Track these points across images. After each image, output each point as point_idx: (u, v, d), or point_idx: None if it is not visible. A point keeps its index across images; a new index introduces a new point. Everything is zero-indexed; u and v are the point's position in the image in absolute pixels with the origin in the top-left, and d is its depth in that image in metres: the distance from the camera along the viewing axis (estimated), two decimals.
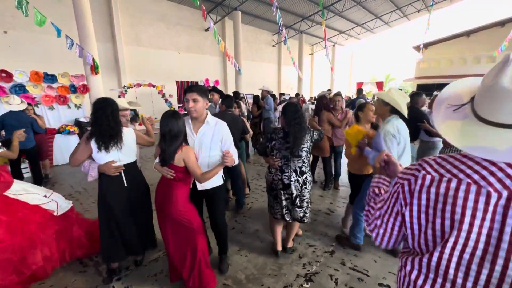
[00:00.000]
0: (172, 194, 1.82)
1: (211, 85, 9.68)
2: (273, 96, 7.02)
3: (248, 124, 3.72)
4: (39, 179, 4.40)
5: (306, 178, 2.20)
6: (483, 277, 0.61)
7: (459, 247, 0.63)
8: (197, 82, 9.73)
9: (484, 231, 0.60)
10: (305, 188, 2.19)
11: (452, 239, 0.64)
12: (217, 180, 2.08)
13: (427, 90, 18.14)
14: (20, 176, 4.21)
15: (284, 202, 2.20)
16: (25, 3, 4.52)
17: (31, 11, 4.67)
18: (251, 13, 13.79)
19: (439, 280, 0.69)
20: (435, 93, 15.14)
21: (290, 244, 2.55)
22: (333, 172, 4.16)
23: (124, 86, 7.11)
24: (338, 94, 4.31)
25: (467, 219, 0.61)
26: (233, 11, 12.21)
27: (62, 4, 7.90)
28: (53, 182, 4.67)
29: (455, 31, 19.47)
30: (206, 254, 1.98)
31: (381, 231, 0.83)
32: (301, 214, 2.21)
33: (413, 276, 0.75)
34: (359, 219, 2.42)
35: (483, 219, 0.59)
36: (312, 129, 2.23)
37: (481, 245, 0.61)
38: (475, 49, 17.75)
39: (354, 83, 20.83)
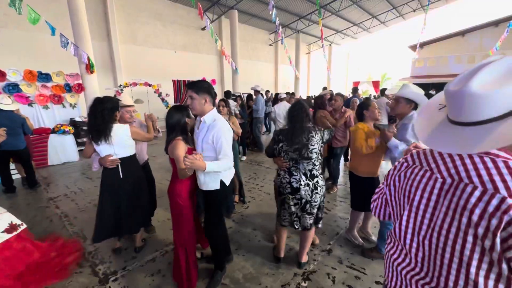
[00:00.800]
0: (170, 186, 1.98)
1: None
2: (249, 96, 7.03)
3: (234, 124, 3.45)
4: (33, 181, 4.34)
5: (317, 182, 2.02)
6: (426, 242, 0.76)
7: (411, 219, 0.79)
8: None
9: (429, 208, 0.74)
10: (316, 193, 2.01)
11: (406, 212, 0.81)
12: (213, 183, 1.88)
13: (423, 89, 18.25)
14: (9, 179, 4.15)
15: (292, 208, 2.04)
16: (18, 1, 4.45)
17: (24, 9, 4.60)
18: (248, 12, 13.75)
19: (400, 247, 0.86)
20: (430, 92, 15.32)
21: (304, 259, 2.27)
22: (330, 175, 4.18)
23: (120, 85, 7.04)
24: (338, 94, 4.34)
25: (417, 197, 0.77)
26: (230, 10, 12.16)
27: (56, 1, 7.80)
28: (48, 182, 4.61)
29: (450, 30, 19.63)
30: (190, 253, 2.00)
31: (375, 204, 1.04)
32: (311, 221, 2.06)
33: (388, 247, 0.92)
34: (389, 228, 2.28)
35: (428, 198, 0.74)
36: (323, 129, 2.09)
37: (426, 220, 0.75)
38: (470, 48, 17.94)
39: (351, 82, 20.89)
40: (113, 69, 9.66)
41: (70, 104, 6.74)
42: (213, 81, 9.80)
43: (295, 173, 2.01)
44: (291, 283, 2.11)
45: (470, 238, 0.63)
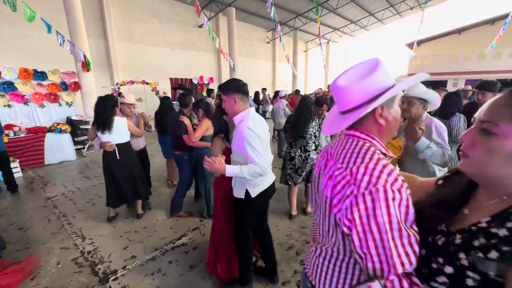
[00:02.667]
0: (217, 178, 2.06)
1: (205, 82, 9.60)
2: (257, 93, 7.02)
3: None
4: (14, 185, 4.11)
5: (308, 155, 2.88)
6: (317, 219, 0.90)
7: (313, 195, 0.93)
8: (191, 80, 9.63)
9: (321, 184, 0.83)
10: (306, 162, 2.89)
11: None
12: (238, 191, 1.76)
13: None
14: None
15: (288, 170, 2.98)
16: None
17: (19, 6, 4.53)
18: (245, 10, 13.67)
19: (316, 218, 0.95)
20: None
21: (309, 208, 3.18)
22: None
23: (117, 83, 6.98)
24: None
25: (315, 173, 0.90)
26: (227, 7, 12.08)
27: None
28: (45, 182, 4.57)
29: (447, 28, 19.71)
30: (219, 248, 2.09)
31: None
32: (300, 180, 2.95)
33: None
34: None
35: (318, 173, 0.87)
36: (321, 118, 2.94)
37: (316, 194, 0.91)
38: (466, 46, 18.04)
39: None
40: (109, 67, 9.58)
41: (67, 103, 6.66)
42: (211, 79, 9.74)
43: (294, 147, 2.95)
44: (291, 281, 2.12)
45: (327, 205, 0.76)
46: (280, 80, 18.93)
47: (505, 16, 10.39)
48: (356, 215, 0.63)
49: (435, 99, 1.80)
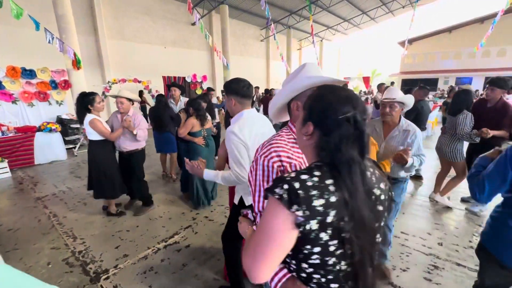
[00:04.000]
0: None
1: (199, 80, 9.54)
2: None
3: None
4: None
5: None
6: None
7: None
8: (184, 78, 9.56)
9: None
10: None
11: None
12: (236, 196, 1.73)
13: (412, 84, 18.60)
14: None
15: None
16: None
17: (6, 3, 4.42)
18: (239, 7, 13.60)
19: None
20: (415, 89, 15.64)
21: None
22: None
23: (109, 81, 6.87)
24: None
25: None
26: (220, 5, 12.00)
27: None
28: (35, 182, 4.50)
29: (438, 27, 20.00)
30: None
31: None
32: None
33: None
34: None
35: None
36: None
37: None
38: (456, 44, 18.36)
39: (342, 78, 21.08)
40: (100, 65, 9.42)
41: (57, 102, 6.55)
42: (204, 77, 9.67)
43: None
44: None
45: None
46: (274, 78, 18.93)
47: (494, 15, 10.58)
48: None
49: (410, 102, 1.98)
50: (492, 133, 2.71)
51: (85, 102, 2.78)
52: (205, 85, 9.64)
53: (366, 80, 19.23)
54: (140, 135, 2.97)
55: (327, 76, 0.92)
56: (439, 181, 3.45)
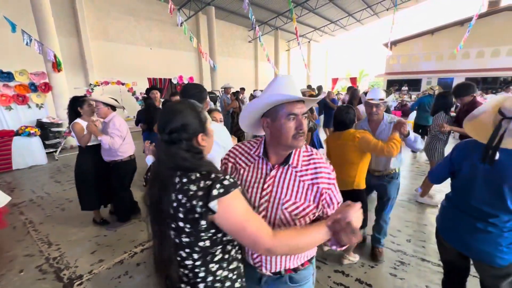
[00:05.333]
0: None
1: (186, 82, 9.50)
2: (236, 93, 7.04)
3: None
4: None
5: None
6: None
7: None
8: (170, 79, 9.50)
9: None
10: None
11: None
12: None
13: (395, 85, 19.12)
14: None
15: None
16: None
17: None
18: (226, 9, 13.62)
19: None
20: (403, 88, 16.06)
21: None
22: None
23: (91, 84, 6.77)
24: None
25: None
26: (207, 6, 11.99)
27: None
28: (12, 188, 4.40)
29: (421, 29, 20.59)
30: None
31: None
32: None
33: None
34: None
35: None
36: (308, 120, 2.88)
37: None
38: (438, 46, 18.94)
39: (330, 79, 21.38)
40: (84, 67, 9.25)
41: (37, 105, 6.40)
42: (191, 78, 9.64)
43: None
44: None
45: None
46: (263, 79, 19.02)
47: (470, 18, 11.01)
48: None
49: (391, 101, 2.25)
50: (448, 128, 2.97)
51: (74, 106, 2.75)
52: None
53: (353, 80, 19.61)
54: (106, 141, 2.62)
55: (287, 94, 0.86)
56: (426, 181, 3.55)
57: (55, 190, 4.26)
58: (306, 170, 0.94)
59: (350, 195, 2.08)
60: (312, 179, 0.92)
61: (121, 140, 2.77)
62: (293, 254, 0.95)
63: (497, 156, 1.17)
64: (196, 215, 0.77)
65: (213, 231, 0.80)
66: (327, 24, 18.80)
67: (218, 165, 1.76)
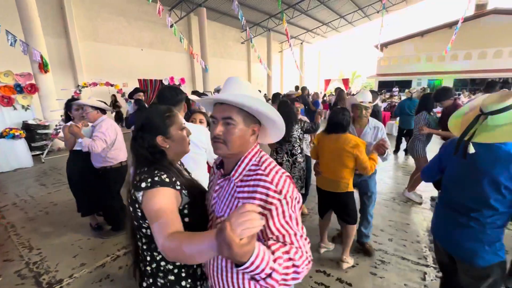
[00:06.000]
0: None
1: (176, 83, 9.46)
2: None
3: None
4: None
5: (295, 159, 2.79)
6: None
7: None
8: (161, 80, 9.44)
9: None
10: (295, 167, 2.81)
11: None
12: None
13: (387, 86, 19.38)
14: None
15: None
16: None
17: None
18: (218, 10, 13.63)
19: None
20: (394, 89, 16.30)
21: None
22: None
23: (78, 85, 6.66)
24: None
25: None
26: (198, 7, 11.97)
27: None
28: None
29: (412, 31, 20.98)
30: None
31: None
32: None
33: None
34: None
35: None
36: (304, 121, 2.91)
37: None
38: (428, 48, 19.31)
39: (323, 80, 21.57)
40: (72, 67, 9.13)
41: (23, 106, 6.29)
42: (182, 79, 9.60)
43: (279, 152, 2.82)
44: None
45: None
46: (255, 80, 19.07)
47: (456, 22, 11.27)
48: None
49: (376, 101, 2.48)
50: (427, 130, 3.11)
51: (66, 109, 2.77)
52: (183, 88, 9.59)
53: (345, 82, 19.82)
54: (85, 143, 2.40)
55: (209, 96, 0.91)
56: (411, 179, 3.67)
57: (40, 193, 4.19)
58: (246, 186, 0.79)
59: (345, 197, 2.17)
60: (248, 197, 0.77)
61: (104, 144, 2.53)
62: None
63: (472, 150, 1.20)
64: (136, 204, 0.89)
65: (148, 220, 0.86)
66: (319, 26, 18.97)
67: (200, 165, 1.79)
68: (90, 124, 2.69)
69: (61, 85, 8.01)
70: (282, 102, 2.84)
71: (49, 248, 2.69)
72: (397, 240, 2.69)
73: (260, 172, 0.79)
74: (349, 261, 2.30)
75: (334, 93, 14.25)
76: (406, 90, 5.70)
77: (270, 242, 0.69)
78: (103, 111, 2.69)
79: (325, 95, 15.58)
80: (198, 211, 0.95)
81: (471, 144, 1.20)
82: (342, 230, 2.40)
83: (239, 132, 0.80)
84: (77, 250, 2.64)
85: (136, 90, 4.31)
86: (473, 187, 1.27)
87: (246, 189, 0.79)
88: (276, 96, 5.41)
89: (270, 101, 9.37)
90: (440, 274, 2.19)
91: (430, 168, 1.58)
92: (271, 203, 0.73)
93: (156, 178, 0.87)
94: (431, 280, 2.13)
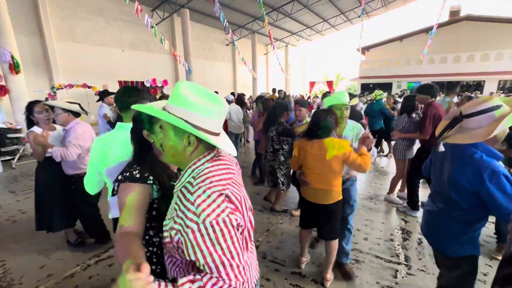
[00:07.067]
0: None
1: (159, 85, 9.28)
2: None
3: None
4: None
5: (265, 156, 3.33)
6: None
7: None
8: (143, 82, 9.24)
9: None
10: (265, 163, 3.38)
11: None
12: None
13: (369, 88, 19.99)
14: None
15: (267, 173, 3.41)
16: None
17: None
18: (202, 12, 13.52)
19: None
20: (376, 91, 16.78)
21: (275, 207, 3.44)
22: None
23: (53, 87, 6.39)
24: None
25: None
26: (181, 8, 11.83)
27: None
28: None
29: (393, 35, 21.74)
30: None
31: None
32: (274, 182, 3.35)
33: None
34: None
35: None
36: (282, 124, 3.10)
37: None
38: (406, 52, 20.08)
39: (308, 83, 21.90)
40: (48, 68, 8.73)
41: None
42: (165, 81, 9.42)
43: (267, 150, 3.28)
44: None
45: None
46: (241, 82, 19.07)
47: (431, 28, 11.78)
48: None
49: (355, 103, 2.53)
50: (397, 135, 3.23)
51: (28, 112, 2.39)
52: (166, 90, 9.42)
53: (330, 84, 20.22)
54: (56, 154, 2.26)
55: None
56: (392, 181, 3.67)
57: (8, 201, 3.96)
58: (180, 200, 0.75)
59: (335, 206, 1.98)
60: (177, 212, 0.74)
61: (79, 150, 2.34)
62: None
63: (442, 148, 1.36)
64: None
65: None
66: (303, 29, 19.27)
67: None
68: (61, 128, 2.51)
69: (35, 86, 7.65)
70: (265, 100, 3.42)
71: (13, 260, 2.54)
72: (371, 239, 2.75)
73: (190, 188, 0.74)
74: (332, 278, 2.16)
75: (319, 96, 14.53)
76: (373, 94, 5.91)
77: (183, 279, 0.66)
78: (77, 114, 2.48)
79: (309, 97, 15.83)
80: (166, 207, 0.92)
81: (441, 143, 1.35)
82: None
83: (170, 142, 0.78)
84: (45, 261, 2.51)
85: (105, 93, 4.12)
86: (441, 183, 1.39)
87: (178, 202, 0.76)
88: (258, 98, 5.56)
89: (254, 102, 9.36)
90: (410, 271, 2.27)
91: (426, 163, 1.71)
92: (187, 226, 0.68)
93: (128, 174, 0.98)
94: (402, 277, 2.19)
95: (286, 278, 2.21)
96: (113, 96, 4.13)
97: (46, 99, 6.37)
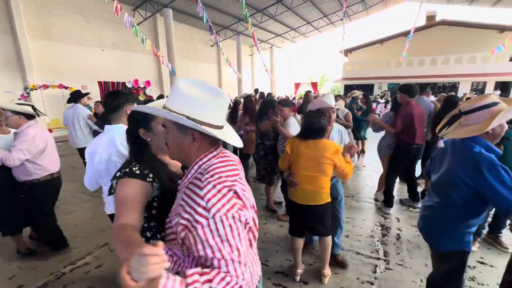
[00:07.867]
0: None
1: (141, 86, 9.07)
2: None
3: None
4: None
5: (270, 149, 3.25)
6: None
7: None
8: (124, 83, 8.98)
9: None
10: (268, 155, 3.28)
11: None
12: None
13: (351, 89, 20.50)
14: None
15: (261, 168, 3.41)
16: None
17: None
18: (185, 12, 13.36)
19: None
20: (357, 92, 17.23)
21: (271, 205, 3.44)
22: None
23: (26, 87, 6.06)
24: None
25: None
26: (163, 8, 11.64)
27: None
28: None
29: (375, 38, 22.45)
30: None
31: None
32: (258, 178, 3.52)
33: None
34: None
35: None
36: (264, 119, 3.20)
37: None
38: (387, 54, 20.79)
39: (292, 84, 22.14)
40: (21, 68, 8.29)
41: None
42: (147, 82, 9.22)
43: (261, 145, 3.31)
44: None
45: None
46: (226, 83, 19.01)
47: (409, 32, 12.26)
48: None
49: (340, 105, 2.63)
50: (372, 118, 3.56)
51: None
52: (149, 91, 9.22)
53: (314, 85, 20.58)
54: (5, 157, 2.12)
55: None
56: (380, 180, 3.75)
57: None
58: (188, 195, 0.75)
59: (324, 208, 2.00)
60: (184, 207, 0.74)
61: (24, 156, 2.18)
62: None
63: (442, 145, 1.43)
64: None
65: None
66: (287, 31, 19.51)
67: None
68: (13, 131, 2.35)
69: (8, 87, 7.25)
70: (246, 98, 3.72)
71: None
72: (353, 236, 2.81)
73: (198, 183, 0.74)
74: (330, 273, 2.19)
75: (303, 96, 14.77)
76: (348, 94, 6.14)
77: (191, 271, 0.63)
78: (30, 117, 2.33)
79: (294, 98, 16.02)
80: (167, 206, 0.92)
81: (441, 140, 1.42)
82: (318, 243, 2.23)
83: (174, 139, 0.81)
84: (15, 270, 2.37)
85: (79, 94, 3.92)
86: (440, 178, 1.44)
87: (186, 198, 0.75)
88: (246, 97, 5.75)
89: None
90: (389, 266, 2.34)
91: (428, 164, 1.75)
92: (196, 221, 0.69)
93: (127, 170, 0.96)
94: (381, 272, 2.25)
95: (269, 278, 2.21)
96: (88, 96, 3.98)
97: (19, 99, 6.05)
